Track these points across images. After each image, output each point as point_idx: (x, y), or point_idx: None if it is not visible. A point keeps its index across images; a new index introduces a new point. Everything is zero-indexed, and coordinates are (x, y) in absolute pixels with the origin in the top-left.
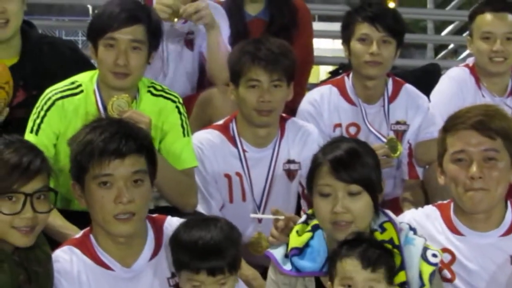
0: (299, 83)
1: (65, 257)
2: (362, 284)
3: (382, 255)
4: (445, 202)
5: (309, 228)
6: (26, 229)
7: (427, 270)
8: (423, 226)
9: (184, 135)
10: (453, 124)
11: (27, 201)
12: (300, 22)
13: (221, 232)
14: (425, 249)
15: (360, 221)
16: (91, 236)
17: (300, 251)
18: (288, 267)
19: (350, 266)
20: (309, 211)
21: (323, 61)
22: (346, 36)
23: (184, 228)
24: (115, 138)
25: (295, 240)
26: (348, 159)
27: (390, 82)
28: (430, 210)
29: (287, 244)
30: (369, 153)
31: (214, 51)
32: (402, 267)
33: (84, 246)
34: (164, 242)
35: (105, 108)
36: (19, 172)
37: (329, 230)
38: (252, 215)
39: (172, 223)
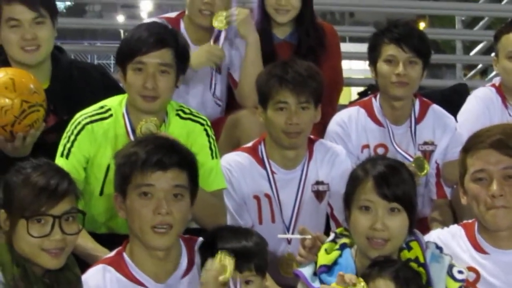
0: (329, 105)
1: (97, 276)
2: None
3: (414, 276)
4: (470, 221)
5: (337, 246)
6: (56, 251)
7: (454, 286)
8: (448, 245)
9: (212, 157)
10: (472, 144)
11: (56, 223)
12: (328, 44)
13: (251, 238)
14: (451, 266)
15: (396, 240)
16: (125, 254)
17: (329, 269)
18: (317, 284)
19: (384, 286)
20: (338, 230)
21: (355, 83)
22: (373, 57)
23: (219, 237)
24: (159, 150)
25: (323, 258)
26: (391, 176)
27: (417, 103)
28: (456, 229)
29: (316, 263)
30: (406, 171)
31: (251, 68)
32: (429, 284)
33: (117, 264)
34: (196, 261)
35: (134, 131)
36: (46, 194)
37: (363, 246)
38: (280, 236)
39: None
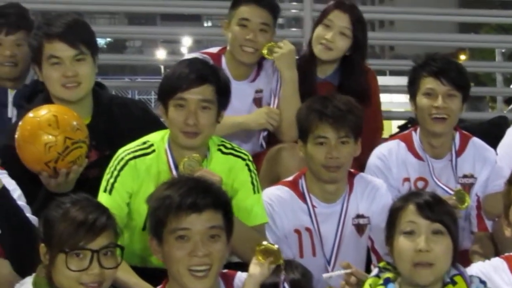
0: (369, 149)
1: None
2: None
3: None
4: None
5: (381, 281)
6: (94, 285)
7: None
8: (490, 278)
9: (254, 192)
10: None
11: (94, 257)
12: (370, 85)
13: (297, 270)
14: None
15: (440, 264)
16: None
17: None
18: None
19: None
20: (381, 264)
21: (395, 116)
22: (412, 91)
23: None
24: (193, 193)
25: None
26: (432, 201)
27: (457, 136)
28: (498, 262)
29: None
30: (447, 204)
31: (287, 105)
32: None
33: None
34: None
35: (176, 167)
36: (85, 229)
37: (409, 274)
38: (325, 276)
39: (242, 278)
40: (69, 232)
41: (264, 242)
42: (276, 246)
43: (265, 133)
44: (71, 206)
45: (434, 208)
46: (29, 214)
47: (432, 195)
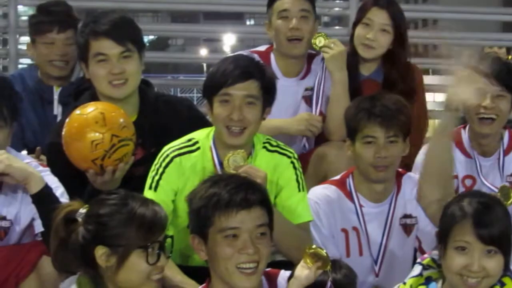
0: (414, 146)
1: None
2: None
3: None
4: None
5: (422, 280)
6: (158, 276)
7: None
8: None
9: (299, 190)
10: None
11: (161, 249)
12: (415, 82)
13: (340, 270)
14: None
15: (491, 279)
16: None
17: None
18: None
19: None
20: (425, 262)
21: (439, 116)
22: None
23: None
24: (241, 190)
25: None
26: (488, 216)
27: (506, 135)
28: None
29: None
30: (501, 208)
31: (336, 105)
32: None
33: None
34: None
35: (221, 164)
36: (156, 224)
37: (455, 284)
38: None
39: (285, 276)
40: (144, 229)
41: (314, 246)
42: (325, 252)
43: (305, 141)
44: (133, 204)
45: (488, 225)
46: None
47: (485, 204)
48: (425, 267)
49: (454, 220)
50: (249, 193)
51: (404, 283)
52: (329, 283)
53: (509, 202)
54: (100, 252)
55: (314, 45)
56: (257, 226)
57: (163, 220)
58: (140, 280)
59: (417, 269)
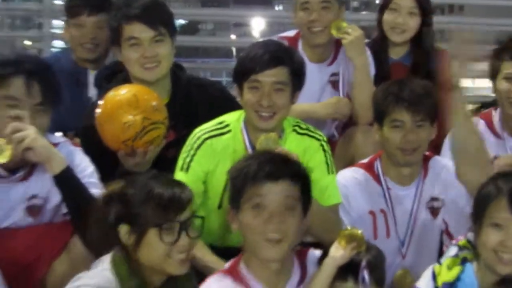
0: (442, 125)
1: (216, 284)
2: None
3: None
4: None
5: (458, 261)
6: (181, 256)
7: None
8: None
9: (328, 173)
10: None
11: (182, 229)
12: (442, 66)
13: (370, 251)
14: None
15: None
16: (241, 264)
17: (451, 286)
18: None
19: None
20: (460, 243)
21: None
22: (492, 74)
23: None
24: (270, 163)
25: (445, 275)
26: None
27: None
28: None
29: (434, 277)
30: None
31: (360, 90)
32: None
33: (234, 273)
34: (308, 273)
35: (253, 146)
36: (174, 203)
37: (491, 262)
38: None
39: (315, 255)
40: (160, 209)
41: (349, 227)
42: (360, 232)
43: (337, 123)
44: (154, 184)
45: None
46: (98, 191)
47: None
48: (460, 248)
49: (489, 198)
50: (278, 166)
51: (440, 264)
52: (363, 263)
53: None
54: (123, 230)
55: (333, 32)
56: (284, 198)
57: (183, 201)
58: (159, 258)
59: (453, 250)
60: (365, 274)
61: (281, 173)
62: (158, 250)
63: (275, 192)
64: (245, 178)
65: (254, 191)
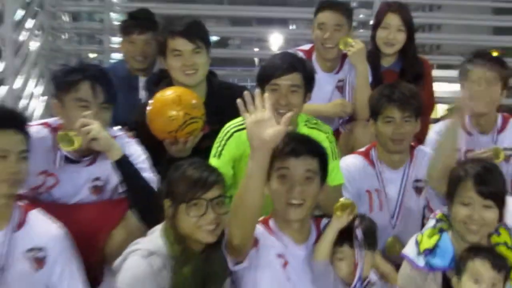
0: (423, 122)
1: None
2: (488, 280)
3: (505, 260)
4: None
5: (437, 231)
6: (209, 227)
7: None
8: None
9: (333, 159)
10: None
11: (209, 205)
12: (425, 72)
13: (365, 222)
14: None
15: (488, 227)
16: (270, 222)
17: (431, 251)
18: (421, 263)
19: (481, 266)
20: (438, 216)
21: (442, 101)
22: (462, 79)
23: None
24: (293, 141)
25: (426, 242)
26: (486, 176)
27: (500, 117)
28: None
29: (418, 245)
30: (498, 171)
31: (360, 92)
32: None
33: (266, 225)
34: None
35: None
36: (200, 184)
37: (461, 231)
38: None
39: (326, 222)
40: (189, 187)
41: (341, 199)
42: (351, 200)
43: (341, 120)
44: (188, 167)
45: (487, 184)
46: (149, 175)
47: (485, 167)
48: (438, 220)
49: (459, 179)
50: (299, 144)
51: (422, 233)
52: (356, 224)
53: (499, 160)
54: (166, 205)
55: (340, 47)
56: (305, 171)
57: (209, 182)
58: (190, 228)
59: (431, 222)
60: (358, 233)
61: (302, 150)
62: (189, 221)
63: (296, 166)
64: (274, 154)
65: (280, 164)
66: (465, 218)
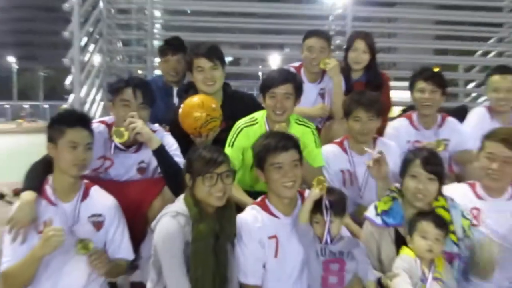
0: (383, 119)
1: (250, 211)
2: (433, 237)
3: (444, 221)
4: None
5: (390, 198)
6: (219, 194)
7: (466, 223)
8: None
9: (316, 147)
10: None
11: (218, 178)
12: (384, 83)
13: (337, 193)
14: (461, 211)
15: (432, 196)
16: (266, 200)
17: (386, 212)
18: (379, 221)
19: (427, 226)
20: (391, 188)
21: (396, 104)
22: (411, 88)
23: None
24: (282, 139)
25: (382, 206)
26: (431, 158)
27: (439, 116)
28: (464, 185)
29: (376, 209)
30: (439, 156)
31: (336, 98)
32: (451, 221)
33: (262, 205)
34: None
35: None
36: (212, 162)
37: (410, 199)
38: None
39: (307, 192)
40: (204, 164)
41: (317, 177)
42: (322, 177)
43: (321, 119)
44: (202, 150)
45: (431, 163)
46: (180, 159)
47: (430, 152)
48: (391, 191)
49: (409, 160)
50: (287, 141)
51: (379, 200)
52: (326, 199)
53: (440, 149)
54: (187, 178)
55: (321, 66)
56: (293, 161)
57: (218, 160)
58: (204, 194)
59: (387, 192)
60: (327, 203)
61: (289, 145)
62: (203, 190)
63: (287, 158)
64: (268, 150)
65: (274, 158)
66: (414, 190)
